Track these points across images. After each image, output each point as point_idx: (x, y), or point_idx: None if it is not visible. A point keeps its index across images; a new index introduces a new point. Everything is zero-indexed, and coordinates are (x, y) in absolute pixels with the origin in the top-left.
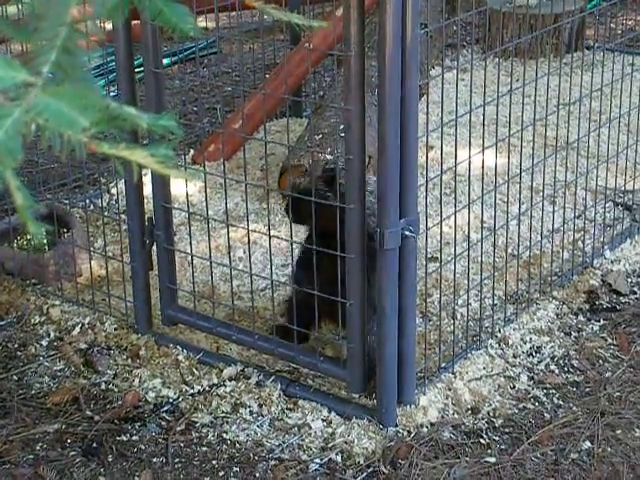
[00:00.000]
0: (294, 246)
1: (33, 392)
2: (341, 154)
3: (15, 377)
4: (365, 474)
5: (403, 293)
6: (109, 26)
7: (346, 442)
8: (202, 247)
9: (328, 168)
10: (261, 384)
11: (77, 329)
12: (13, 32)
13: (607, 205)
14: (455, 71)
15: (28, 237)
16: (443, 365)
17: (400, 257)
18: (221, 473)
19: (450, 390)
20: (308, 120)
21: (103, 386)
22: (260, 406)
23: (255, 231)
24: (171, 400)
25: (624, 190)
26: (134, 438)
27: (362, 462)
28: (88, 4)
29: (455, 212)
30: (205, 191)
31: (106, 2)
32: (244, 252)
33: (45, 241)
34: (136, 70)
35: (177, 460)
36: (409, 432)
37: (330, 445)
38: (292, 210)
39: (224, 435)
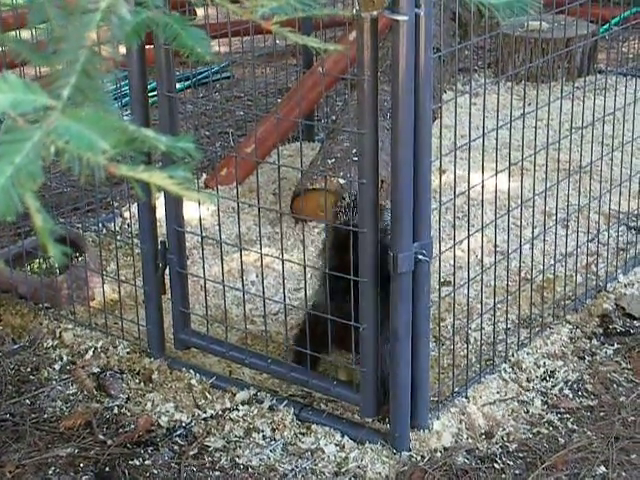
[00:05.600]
0: (307, 270)
1: (46, 416)
2: (354, 178)
3: (28, 401)
4: None
5: (416, 317)
6: (122, 50)
7: (359, 467)
8: (215, 271)
9: (345, 196)
10: (274, 408)
11: (90, 353)
12: (31, 55)
13: (620, 229)
14: (467, 95)
15: (41, 261)
16: (457, 389)
17: (413, 281)
18: None
19: (464, 415)
20: (321, 144)
21: (116, 410)
22: (273, 430)
23: (268, 255)
24: (184, 424)
25: (637, 214)
26: (147, 462)
27: None
28: (106, 27)
29: (468, 236)
30: (218, 215)
31: (124, 26)
32: (257, 276)
33: (57, 264)
34: (149, 94)
35: None
36: (423, 457)
37: (343, 470)
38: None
39: (237, 460)
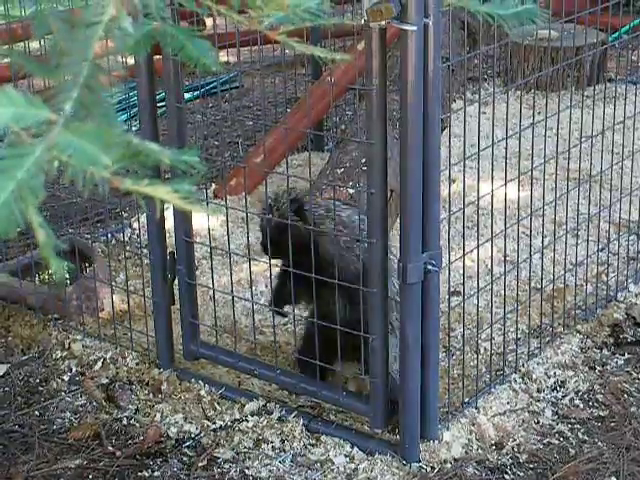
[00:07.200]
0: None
1: (55, 427)
2: (363, 188)
3: (37, 412)
4: None
5: (426, 327)
6: (131, 61)
7: (369, 478)
8: (224, 281)
9: (294, 198)
10: (283, 419)
11: (99, 364)
12: (35, 68)
13: (631, 238)
14: (477, 104)
15: (50, 272)
16: (466, 400)
17: (422, 291)
18: None
19: (474, 425)
20: (330, 154)
21: (125, 421)
22: (282, 441)
23: (277, 265)
24: (193, 435)
25: None
26: (156, 474)
27: None
28: (110, 40)
29: (478, 246)
30: (227, 225)
31: (128, 38)
32: (266, 286)
33: (67, 276)
34: (158, 105)
35: None
36: (433, 468)
37: None
38: (271, 246)
39: (246, 471)
